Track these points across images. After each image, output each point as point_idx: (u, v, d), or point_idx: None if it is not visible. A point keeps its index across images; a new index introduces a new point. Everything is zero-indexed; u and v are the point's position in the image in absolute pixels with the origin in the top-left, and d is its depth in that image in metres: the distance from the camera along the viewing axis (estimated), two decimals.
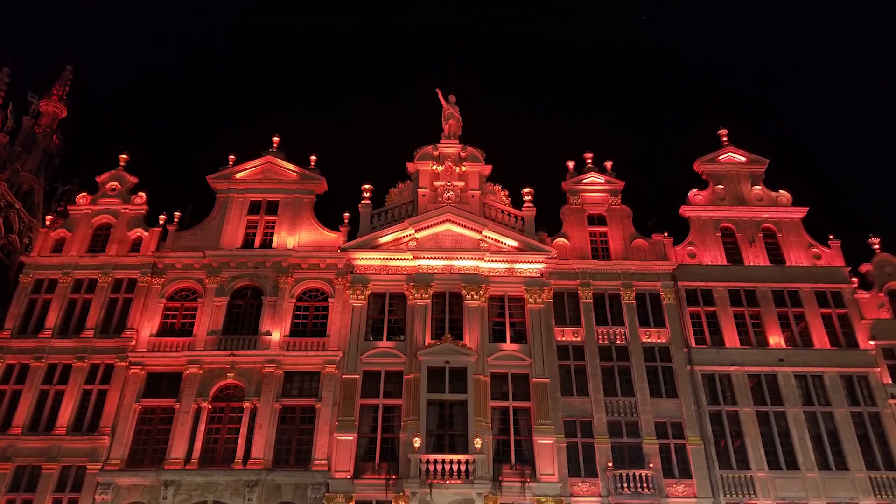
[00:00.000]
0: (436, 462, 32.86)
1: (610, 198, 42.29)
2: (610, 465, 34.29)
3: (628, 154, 72.63)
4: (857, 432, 35.57)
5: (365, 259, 39.36)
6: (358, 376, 36.23)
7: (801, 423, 35.62)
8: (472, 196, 41.50)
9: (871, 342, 37.75)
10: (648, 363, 37.21)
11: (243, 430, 34.95)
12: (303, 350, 37.10)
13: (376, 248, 39.63)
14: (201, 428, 35.03)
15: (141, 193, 42.42)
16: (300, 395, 36.20)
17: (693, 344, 37.65)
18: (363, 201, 41.34)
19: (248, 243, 40.49)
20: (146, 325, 37.88)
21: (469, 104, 46.03)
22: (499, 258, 39.31)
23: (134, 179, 43.09)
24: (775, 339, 37.79)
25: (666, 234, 40.95)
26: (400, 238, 39.86)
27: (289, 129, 60.42)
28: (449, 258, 39.14)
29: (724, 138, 44.34)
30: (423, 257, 39.14)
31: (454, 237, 39.86)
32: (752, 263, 40.15)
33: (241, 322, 38.31)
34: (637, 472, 33.99)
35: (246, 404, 35.55)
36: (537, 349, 37.00)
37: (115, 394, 36.02)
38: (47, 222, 42.37)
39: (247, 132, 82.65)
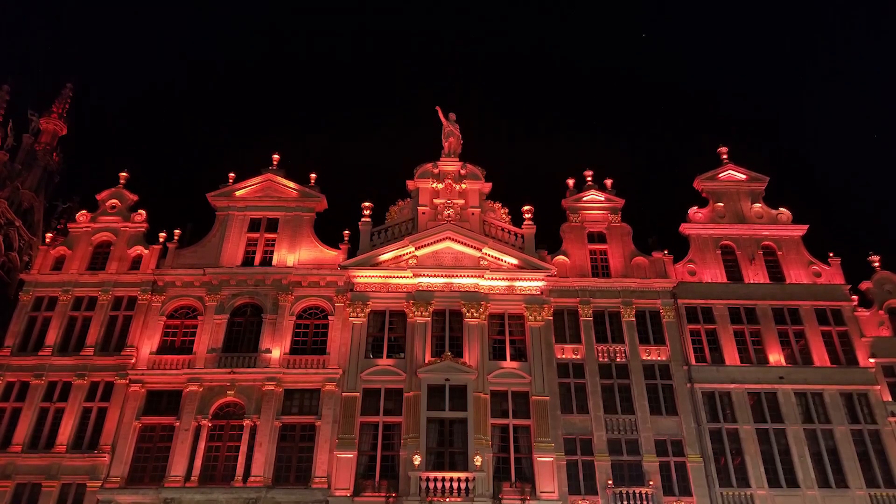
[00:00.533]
0: (436, 480, 33.32)
1: (610, 215, 42.93)
2: (610, 482, 34.77)
3: (628, 172, 73.40)
4: (857, 450, 36.08)
5: (365, 277, 39.95)
6: (358, 394, 36.75)
7: (801, 441, 36.14)
8: (473, 214, 42.16)
9: (871, 360, 38.30)
10: (648, 381, 37.76)
11: (243, 448, 35.45)
12: (303, 368, 37.61)
13: (376, 265, 40.24)
14: (201, 445, 35.53)
15: (141, 211, 42.98)
16: (300, 413, 36.74)
17: (693, 361, 38.21)
18: (363, 219, 42.00)
19: (248, 261, 41.05)
20: (146, 343, 38.44)
21: (469, 122, 46.90)
22: (499, 276, 39.90)
23: (134, 197, 43.66)
24: (775, 356, 38.35)
25: (666, 252, 41.55)
26: (400, 256, 40.47)
27: (289, 146, 61.60)
28: (449, 276, 39.74)
29: (724, 156, 45.00)
30: (423, 275, 39.75)
31: (454, 255, 40.47)
32: (752, 281, 40.74)
33: (241, 340, 38.86)
34: (637, 490, 34.48)
35: (246, 422, 36.06)
36: (537, 367, 37.53)
37: (115, 411, 36.53)
38: (47, 240, 43.07)
39: (247, 150, 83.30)
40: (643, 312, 39.73)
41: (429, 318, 38.71)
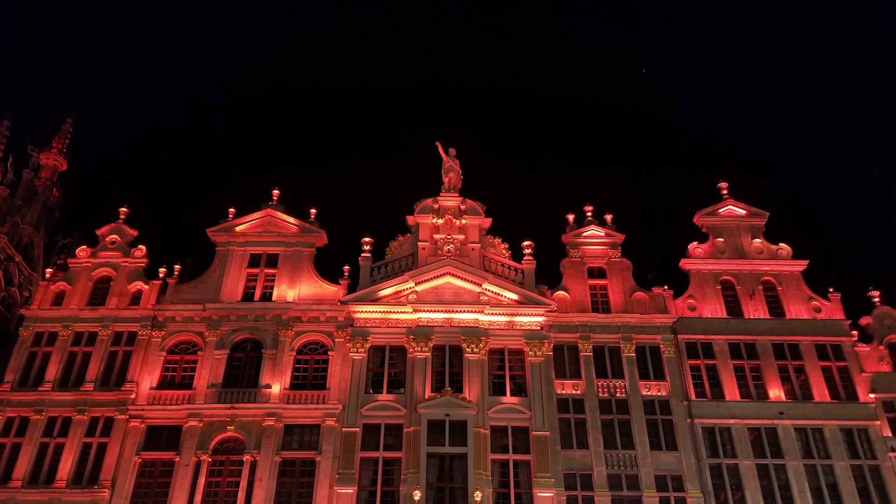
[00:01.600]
0: None
1: (610, 251, 44.01)
2: None
3: (628, 207, 74.28)
4: (858, 485, 36.89)
5: (365, 312, 40.99)
6: (358, 429, 37.66)
7: (801, 477, 36.96)
8: (472, 249, 43.26)
9: (872, 395, 39.22)
10: (648, 416, 38.68)
11: (243, 484, 36.34)
12: (303, 403, 38.57)
13: (376, 301, 41.28)
14: (201, 481, 36.41)
15: (141, 246, 44.05)
16: (300, 449, 37.66)
17: (693, 397, 39.16)
18: (363, 254, 43.10)
19: (248, 296, 42.14)
20: (146, 378, 39.45)
21: (469, 157, 47.98)
22: (499, 311, 40.94)
23: (134, 232, 44.77)
24: (775, 392, 39.27)
25: (666, 287, 42.62)
26: (400, 291, 41.52)
27: (289, 182, 62.52)
28: (449, 311, 40.78)
29: (724, 191, 46.19)
30: (423, 310, 40.80)
31: (454, 290, 41.51)
32: (752, 316, 41.77)
33: (241, 375, 39.88)
34: None
35: (246, 457, 36.97)
36: (537, 402, 38.46)
37: (115, 447, 37.45)
38: (47, 275, 44.23)
39: (247, 185, 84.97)
40: (643, 348, 40.73)
41: (429, 354, 39.67)
